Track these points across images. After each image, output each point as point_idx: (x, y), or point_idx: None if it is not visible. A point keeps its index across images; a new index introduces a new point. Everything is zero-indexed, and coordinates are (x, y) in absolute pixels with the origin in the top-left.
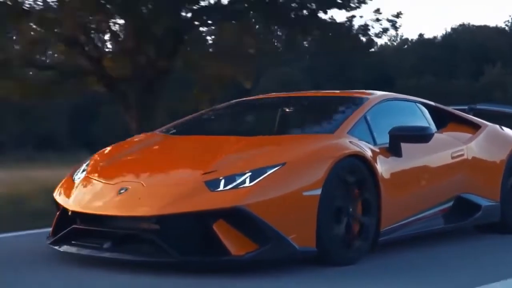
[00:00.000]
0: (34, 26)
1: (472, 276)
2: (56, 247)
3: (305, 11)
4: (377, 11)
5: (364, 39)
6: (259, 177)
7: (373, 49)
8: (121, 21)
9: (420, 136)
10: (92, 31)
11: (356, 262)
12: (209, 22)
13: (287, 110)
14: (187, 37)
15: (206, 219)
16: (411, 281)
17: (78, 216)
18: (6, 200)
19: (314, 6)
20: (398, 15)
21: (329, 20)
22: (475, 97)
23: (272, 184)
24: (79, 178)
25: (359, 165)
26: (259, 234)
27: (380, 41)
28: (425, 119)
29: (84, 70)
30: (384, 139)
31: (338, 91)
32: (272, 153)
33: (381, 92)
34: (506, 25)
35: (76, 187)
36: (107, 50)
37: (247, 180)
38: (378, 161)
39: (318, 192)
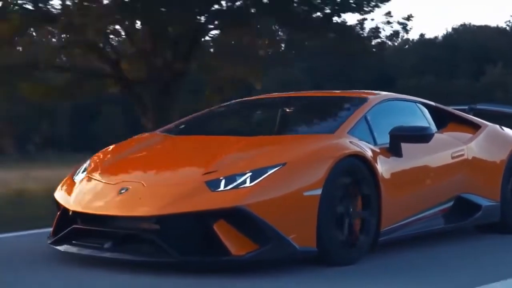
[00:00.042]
0: (56, 31)
1: (472, 276)
2: (57, 247)
3: (319, 14)
4: (388, 14)
5: (374, 41)
6: (260, 177)
7: (374, 49)
8: (138, 25)
9: (421, 136)
10: (111, 35)
11: (356, 262)
12: (222, 25)
13: (288, 110)
14: (201, 40)
15: (207, 219)
16: (411, 281)
17: (79, 216)
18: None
19: (329, 10)
20: (409, 17)
21: (341, 23)
22: (476, 97)
23: (272, 184)
24: (79, 178)
25: (359, 165)
26: (260, 234)
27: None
28: (425, 119)
29: (102, 72)
30: (384, 139)
31: (338, 91)
32: (272, 153)
33: (381, 92)
34: (507, 25)
35: (77, 187)
36: (124, 53)
37: (248, 180)
38: (378, 161)
39: (319, 192)
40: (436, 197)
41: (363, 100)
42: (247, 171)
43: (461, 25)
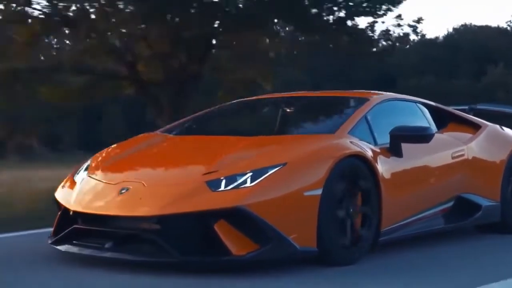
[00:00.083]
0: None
1: (472, 276)
2: (58, 247)
3: (331, 17)
4: (399, 16)
5: (384, 43)
6: (260, 177)
7: (385, 52)
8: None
9: (421, 136)
10: (128, 38)
11: (357, 262)
12: (237, 29)
13: (288, 110)
14: (216, 42)
15: (207, 219)
16: (411, 281)
17: (80, 216)
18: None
19: (343, 14)
20: (419, 20)
21: (354, 26)
22: (477, 98)
23: (273, 184)
24: (80, 178)
25: (359, 165)
26: (260, 234)
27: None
28: (425, 119)
29: (119, 74)
30: (384, 139)
31: (339, 91)
32: (273, 153)
33: (381, 92)
34: (508, 25)
35: (77, 187)
36: (140, 55)
37: (248, 180)
38: (378, 161)
39: (319, 192)
40: (436, 197)
41: (364, 100)
42: (248, 171)
43: (462, 25)
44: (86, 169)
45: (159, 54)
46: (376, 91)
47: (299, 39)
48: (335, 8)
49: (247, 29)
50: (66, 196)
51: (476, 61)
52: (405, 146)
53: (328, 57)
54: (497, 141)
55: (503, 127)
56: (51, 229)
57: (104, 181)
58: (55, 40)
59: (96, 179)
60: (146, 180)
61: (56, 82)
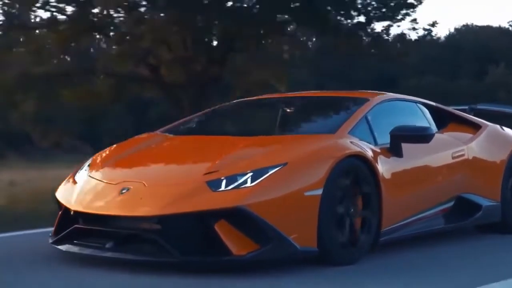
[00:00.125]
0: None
1: (472, 276)
2: (58, 247)
3: (350, 22)
4: (414, 20)
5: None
6: (261, 177)
7: (401, 54)
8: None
9: (421, 136)
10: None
11: (357, 262)
12: (256, 32)
13: (288, 110)
14: (235, 46)
15: (208, 219)
16: (411, 281)
17: (80, 215)
18: None
19: (364, 19)
20: (434, 24)
21: (373, 30)
22: (479, 98)
23: (273, 184)
24: (81, 177)
25: (360, 165)
26: (261, 234)
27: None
28: (425, 119)
29: (143, 77)
30: (385, 139)
31: (339, 92)
32: (273, 153)
33: (382, 92)
34: (510, 25)
35: (78, 187)
36: (163, 58)
37: (249, 180)
38: (379, 161)
39: (319, 192)
40: (437, 197)
41: (364, 100)
42: (248, 171)
43: (464, 25)
44: (86, 168)
45: (181, 58)
46: (377, 91)
47: (310, 41)
48: (355, 13)
49: (266, 33)
50: (66, 195)
51: (478, 61)
52: (405, 146)
53: (329, 58)
54: (497, 141)
55: (503, 127)
56: (51, 229)
57: (105, 181)
58: (87, 45)
59: (97, 179)
60: (147, 180)
61: (83, 85)
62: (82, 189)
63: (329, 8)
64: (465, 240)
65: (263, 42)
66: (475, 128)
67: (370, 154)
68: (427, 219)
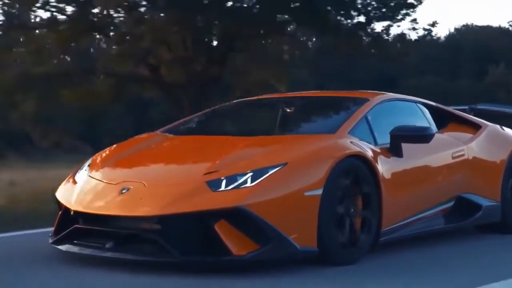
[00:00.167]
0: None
1: (472, 276)
2: (58, 247)
3: (350, 22)
4: (414, 20)
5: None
6: (261, 177)
7: (401, 54)
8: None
9: (421, 136)
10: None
11: (357, 262)
12: (256, 32)
13: (288, 110)
14: (235, 46)
15: (208, 219)
16: (411, 281)
17: (80, 215)
18: None
19: (363, 19)
20: (433, 24)
21: (373, 31)
22: (479, 98)
23: (273, 184)
24: (81, 177)
25: (360, 165)
26: (261, 234)
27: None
28: (425, 120)
29: (142, 77)
30: (385, 139)
31: (339, 92)
32: (273, 153)
33: (382, 92)
34: (510, 25)
35: (78, 186)
36: (163, 58)
37: (249, 180)
38: (379, 161)
39: (319, 192)
40: (437, 197)
41: (364, 100)
42: (248, 171)
43: (464, 25)
44: (86, 168)
45: (181, 58)
46: (377, 91)
47: (310, 42)
48: (355, 13)
49: (266, 33)
50: (66, 195)
51: (478, 61)
52: (405, 146)
53: (329, 58)
54: (497, 141)
55: (503, 127)
56: (51, 229)
57: (105, 181)
58: (87, 45)
59: (97, 179)
60: (147, 180)
61: (83, 85)
62: (82, 189)
63: (329, 8)
64: (465, 240)
65: (263, 42)
66: (475, 128)
67: (370, 154)
68: (427, 219)
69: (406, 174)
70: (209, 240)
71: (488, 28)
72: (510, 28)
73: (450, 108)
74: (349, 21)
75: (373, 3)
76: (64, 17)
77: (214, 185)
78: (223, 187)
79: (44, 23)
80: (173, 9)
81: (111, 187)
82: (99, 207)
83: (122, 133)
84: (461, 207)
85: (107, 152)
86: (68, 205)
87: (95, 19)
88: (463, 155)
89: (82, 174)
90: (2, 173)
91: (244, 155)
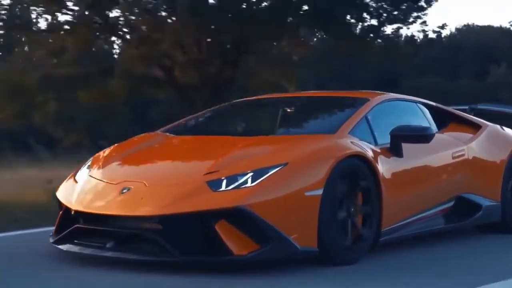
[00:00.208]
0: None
1: (472, 276)
2: (59, 246)
3: (361, 25)
4: (424, 23)
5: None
6: (261, 177)
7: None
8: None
9: (421, 136)
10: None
11: (357, 262)
12: (268, 35)
13: (289, 110)
14: (248, 48)
15: (208, 219)
16: (411, 281)
17: (81, 215)
18: None
19: (375, 22)
20: (443, 26)
21: (384, 33)
22: (480, 98)
23: (274, 184)
24: (81, 177)
25: (360, 165)
26: (261, 234)
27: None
28: (426, 120)
29: (157, 78)
30: (385, 139)
31: (339, 92)
32: (273, 153)
33: (382, 92)
34: (511, 25)
35: (79, 186)
36: (177, 60)
37: (249, 180)
38: (379, 161)
39: (320, 192)
40: (437, 197)
41: (364, 100)
42: (249, 171)
43: (465, 25)
44: (87, 168)
45: (195, 60)
46: (377, 91)
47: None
48: (368, 16)
49: (279, 36)
50: (67, 195)
51: (479, 61)
52: (405, 146)
53: (330, 58)
54: (498, 141)
55: (503, 127)
56: (52, 228)
57: (105, 181)
58: (106, 47)
59: (97, 179)
60: (147, 180)
61: (98, 86)
62: (82, 188)
63: (342, 12)
64: (465, 240)
65: (274, 44)
66: (475, 128)
67: (370, 154)
68: (427, 219)
69: (406, 174)
70: (209, 240)
71: (489, 28)
72: (511, 28)
73: (450, 108)
74: (362, 24)
75: (385, 6)
76: (81, 20)
77: (214, 185)
78: (223, 187)
79: (62, 26)
80: (193, 16)
81: (112, 186)
82: (99, 207)
83: (122, 132)
84: (461, 207)
85: (108, 152)
86: (68, 205)
87: (114, 22)
88: (463, 155)
89: (83, 174)
90: (38, 171)
91: (244, 155)
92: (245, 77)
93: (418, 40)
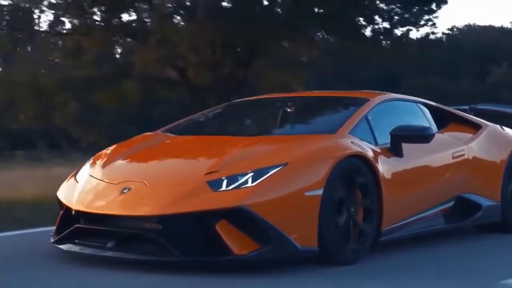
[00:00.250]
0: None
1: (472, 276)
2: (60, 246)
3: (372, 27)
4: (433, 25)
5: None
6: (261, 177)
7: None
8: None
9: (421, 136)
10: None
11: (357, 262)
12: (281, 37)
13: (289, 110)
14: (261, 51)
15: (209, 219)
16: (411, 281)
17: (82, 215)
18: None
19: (388, 25)
20: (452, 28)
21: (396, 35)
22: (481, 98)
23: (274, 184)
24: (82, 177)
25: (360, 165)
26: (261, 234)
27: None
28: (426, 119)
29: (172, 79)
30: (385, 139)
31: (339, 92)
32: (274, 153)
33: (382, 92)
34: None
35: (79, 186)
36: (190, 61)
37: (250, 180)
38: (379, 161)
39: (320, 192)
40: (437, 197)
41: (364, 100)
42: (249, 171)
43: (466, 25)
44: (88, 168)
45: (209, 62)
46: (377, 91)
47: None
48: (380, 19)
49: (291, 37)
50: (68, 195)
51: (480, 61)
52: (405, 146)
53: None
54: (498, 141)
55: (503, 127)
56: (52, 228)
57: (106, 181)
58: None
59: (98, 179)
60: (148, 179)
61: (114, 88)
62: (83, 188)
63: (356, 16)
64: (465, 240)
65: (287, 46)
66: (475, 128)
67: (370, 154)
68: (427, 219)
69: (406, 174)
70: (210, 240)
71: (490, 28)
72: None
73: (450, 108)
74: (375, 27)
75: (397, 9)
76: (99, 23)
77: (215, 185)
78: (224, 187)
79: (80, 29)
80: (212, 18)
81: (112, 186)
82: (100, 207)
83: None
84: (461, 207)
85: (108, 152)
86: (69, 205)
87: (130, 25)
88: (463, 155)
89: (83, 174)
90: (66, 168)
91: (244, 155)
92: (257, 78)
93: (430, 40)
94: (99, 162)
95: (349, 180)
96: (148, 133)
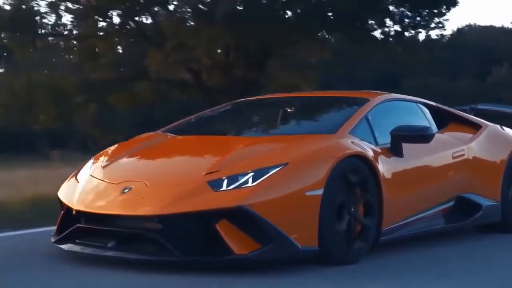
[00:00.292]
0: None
1: (472, 276)
2: (61, 246)
3: (382, 30)
4: (443, 27)
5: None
6: (262, 177)
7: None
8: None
9: (421, 136)
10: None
11: (357, 262)
12: (293, 39)
13: (289, 110)
14: (273, 53)
15: (209, 219)
16: (411, 281)
17: (82, 215)
18: None
19: (399, 28)
20: (458, 31)
21: (406, 37)
22: (481, 98)
23: (274, 184)
24: (83, 177)
25: (360, 165)
26: (262, 234)
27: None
28: (426, 119)
29: (186, 82)
30: (385, 139)
31: (339, 91)
32: (274, 153)
33: (382, 92)
34: None
35: (80, 186)
36: (204, 63)
37: (250, 180)
38: (379, 161)
39: (320, 192)
40: (437, 197)
41: (364, 100)
42: (249, 171)
43: (467, 25)
44: (89, 168)
45: (222, 64)
46: (377, 91)
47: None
48: (391, 22)
49: (304, 39)
50: (68, 195)
51: (481, 61)
52: (405, 146)
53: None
54: (498, 141)
55: (503, 127)
56: (52, 228)
57: (107, 181)
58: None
59: (99, 179)
60: (149, 179)
61: (128, 90)
62: (84, 188)
63: (367, 19)
64: (465, 240)
65: (299, 48)
66: (475, 128)
67: (370, 154)
68: (427, 219)
69: (407, 174)
70: (210, 240)
71: (491, 28)
72: None
73: (450, 108)
74: (385, 29)
75: (407, 13)
76: (115, 26)
77: (215, 185)
78: (224, 187)
79: (97, 32)
80: (229, 22)
81: (113, 186)
82: (101, 207)
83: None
84: (461, 207)
85: (109, 152)
86: (70, 205)
87: (147, 29)
88: (463, 155)
89: (84, 174)
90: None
91: (245, 155)
92: (269, 79)
93: (439, 41)
94: (100, 162)
95: (349, 180)
96: (148, 133)
